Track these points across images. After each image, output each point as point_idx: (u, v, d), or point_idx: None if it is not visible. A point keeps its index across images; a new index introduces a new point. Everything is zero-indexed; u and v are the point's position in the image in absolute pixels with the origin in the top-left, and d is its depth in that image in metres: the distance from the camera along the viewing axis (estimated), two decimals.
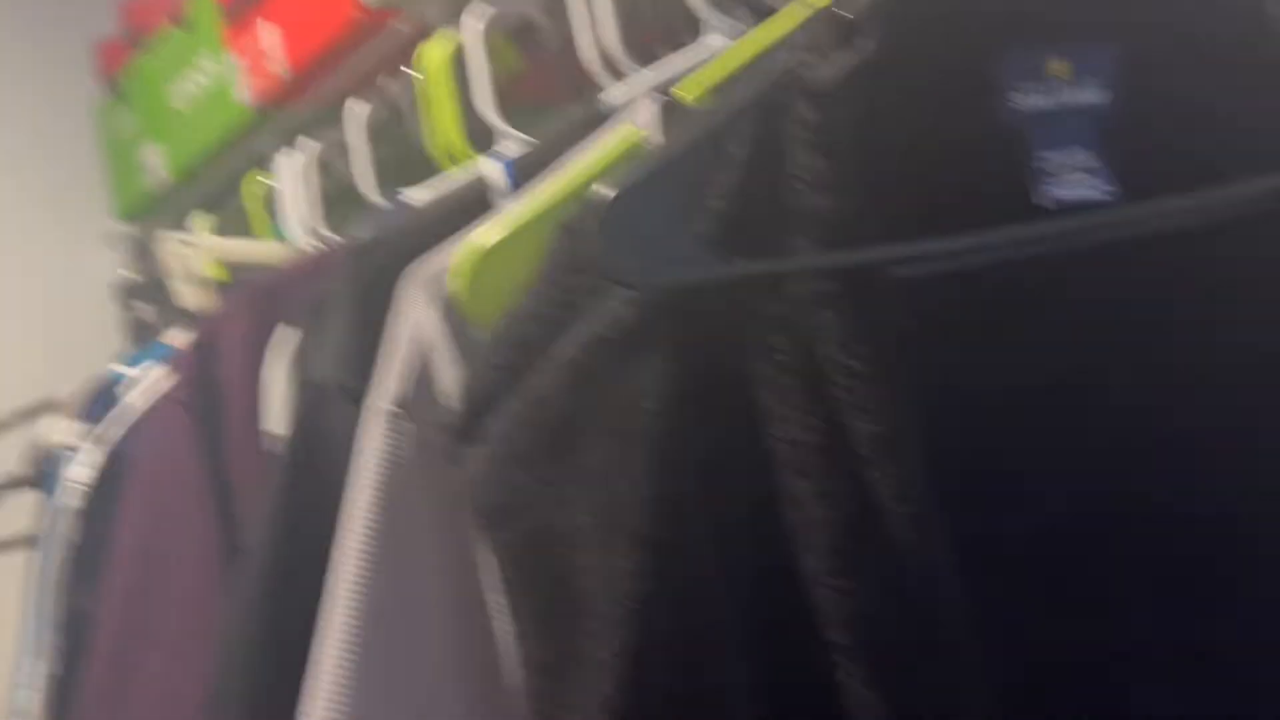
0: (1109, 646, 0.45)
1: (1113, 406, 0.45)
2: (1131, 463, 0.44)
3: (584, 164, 0.50)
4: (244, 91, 1.01)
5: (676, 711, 0.41)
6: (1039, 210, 0.46)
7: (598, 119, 0.54)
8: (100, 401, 0.83)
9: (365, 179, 0.86)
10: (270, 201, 1.01)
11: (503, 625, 0.44)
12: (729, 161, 0.44)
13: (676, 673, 0.41)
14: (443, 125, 0.77)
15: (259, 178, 1.02)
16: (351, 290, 0.51)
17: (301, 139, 0.97)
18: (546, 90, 0.77)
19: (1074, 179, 0.46)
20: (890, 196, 0.45)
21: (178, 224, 1.21)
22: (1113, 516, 0.44)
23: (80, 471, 0.72)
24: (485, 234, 0.48)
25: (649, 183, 0.44)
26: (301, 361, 0.55)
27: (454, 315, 0.49)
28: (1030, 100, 0.47)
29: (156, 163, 1.21)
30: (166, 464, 0.63)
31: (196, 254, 0.95)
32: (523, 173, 0.54)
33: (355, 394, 0.48)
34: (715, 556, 0.42)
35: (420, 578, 0.46)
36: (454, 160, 0.77)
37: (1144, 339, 0.44)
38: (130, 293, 1.01)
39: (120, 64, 1.25)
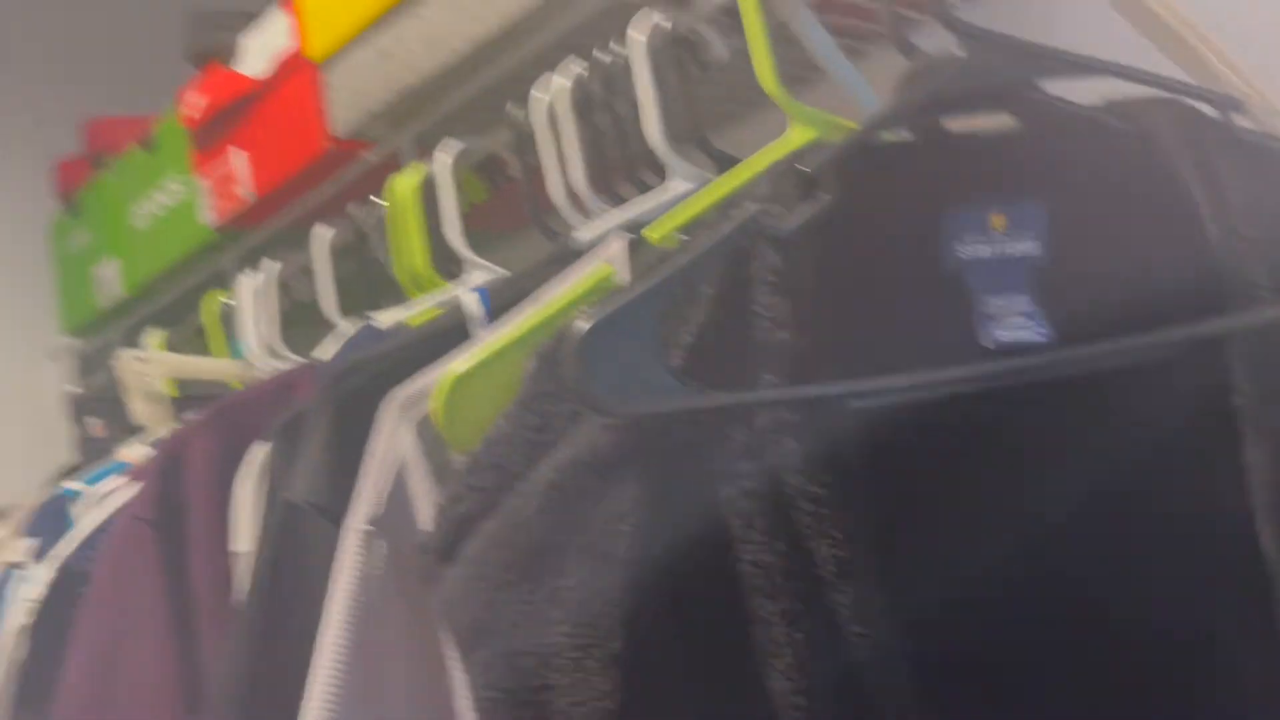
0: None
1: (1055, 530, 0.48)
2: (1080, 585, 0.47)
3: (558, 296, 0.53)
4: (208, 213, 1.03)
5: None
6: (983, 350, 0.50)
7: (570, 255, 0.58)
8: (49, 517, 0.82)
9: (328, 300, 0.89)
10: (228, 319, 1.02)
11: None
12: (699, 299, 0.48)
13: None
14: (409, 252, 0.80)
15: (219, 296, 1.04)
16: (330, 412, 0.53)
17: (265, 260, 0.99)
18: (507, 218, 0.81)
19: (1014, 322, 0.50)
20: (848, 334, 0.48)
21: (128, 340, 1.22)
22: (1067, 642, 0.47)
23: (30, 589, 0.71)
24: (462, 361, 0.51)
25: (623, 316, 0.46)
26: (274, 480, 0.56)
27: (430, 438, 0.51)
28: (973, 250, 0.52)
29: (112, 278, 1.22)
30: (127, 579, 0.63)
31: (152, 369, 0.96)
32: (498, 303, 0.56)
33: (331, 513, 0.49)
34: (688, 676, 0.44)
35: (392, 695, 0.46)
36: (419, 286, 0.79)
37: (1077, 466, 0.48)
38: (81, 407, 1.00)
39: (79, 182, 1.27)
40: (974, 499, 0.48)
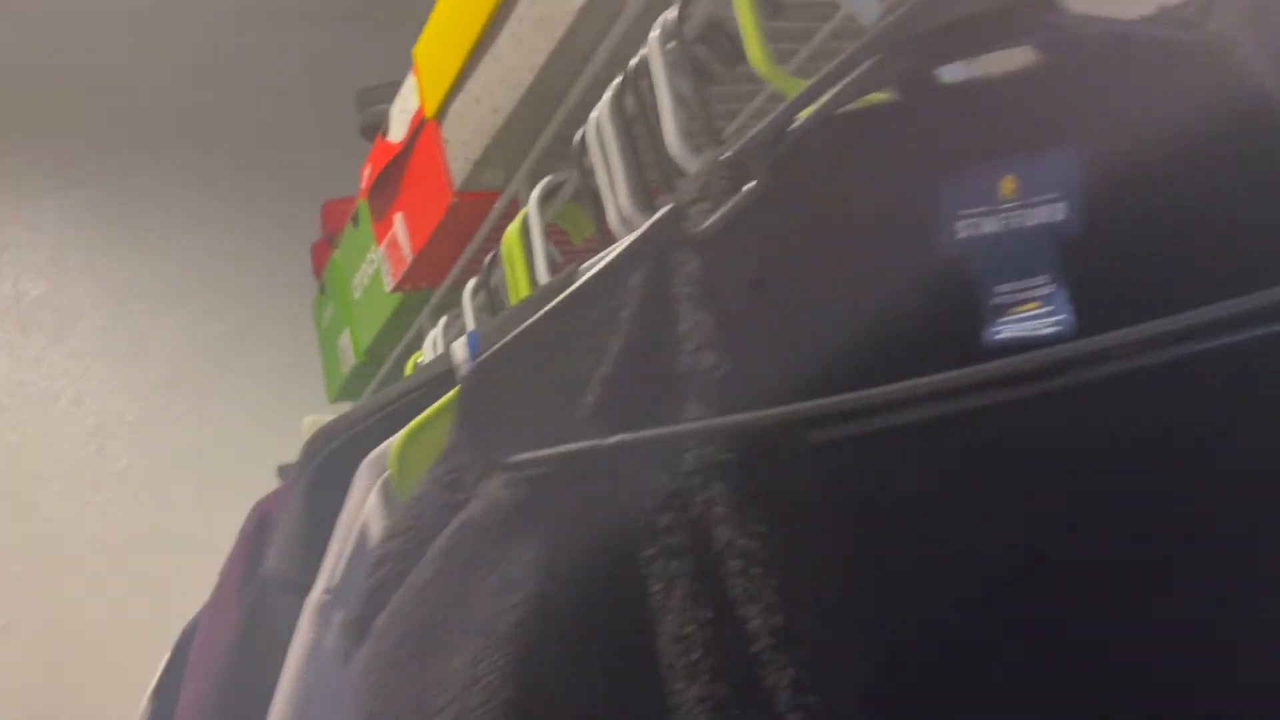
0: None
1: (1050, 585, 0.36)
2: (1070, 652, 0.35)
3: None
4: (386, 278, 1.07)
5: None
6: (983, 352, 0.39)
7: (565, 286, 0.52)
8: None
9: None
10: None
11: None
12: (616, 324, 0.41)
13: None
14: (516, 294, 0.78)
15: (418, 357, 1.08)
16: (307, 477, 0.51)
17: (443, 319, 1.02)
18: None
19: (1024, 312, 0.39)
20: (796, 351, 0.39)
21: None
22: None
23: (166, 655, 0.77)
24: (419, 416, 0.47)
25: (519, 350, 0.41)
26: (256, 551, 0.56)
27: (390, 498, 0.47)
28: (976, 226, 0.40)
29: (347, 347, 1.31)
30: (211, 637, 0.65)
31: None
32: (487, 346, 0.52)
33: (297, 585, 0.48)
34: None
35: None
36: None
37: (1090, 506, 0.36)
38: (285, 472, 1.08)
39: (324, 261, 1.38)
40: (952, 542, 0.37)
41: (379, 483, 0.48)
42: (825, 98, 0.41)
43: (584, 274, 0.55)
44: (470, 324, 0.92)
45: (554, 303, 0.41)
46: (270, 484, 1.28)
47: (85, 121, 1.89)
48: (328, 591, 0.47)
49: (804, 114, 0.41)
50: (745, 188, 0.40)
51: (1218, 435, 0.36)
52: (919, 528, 0.38)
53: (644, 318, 0.40)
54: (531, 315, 0.52)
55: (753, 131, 0.40)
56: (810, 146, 0.41)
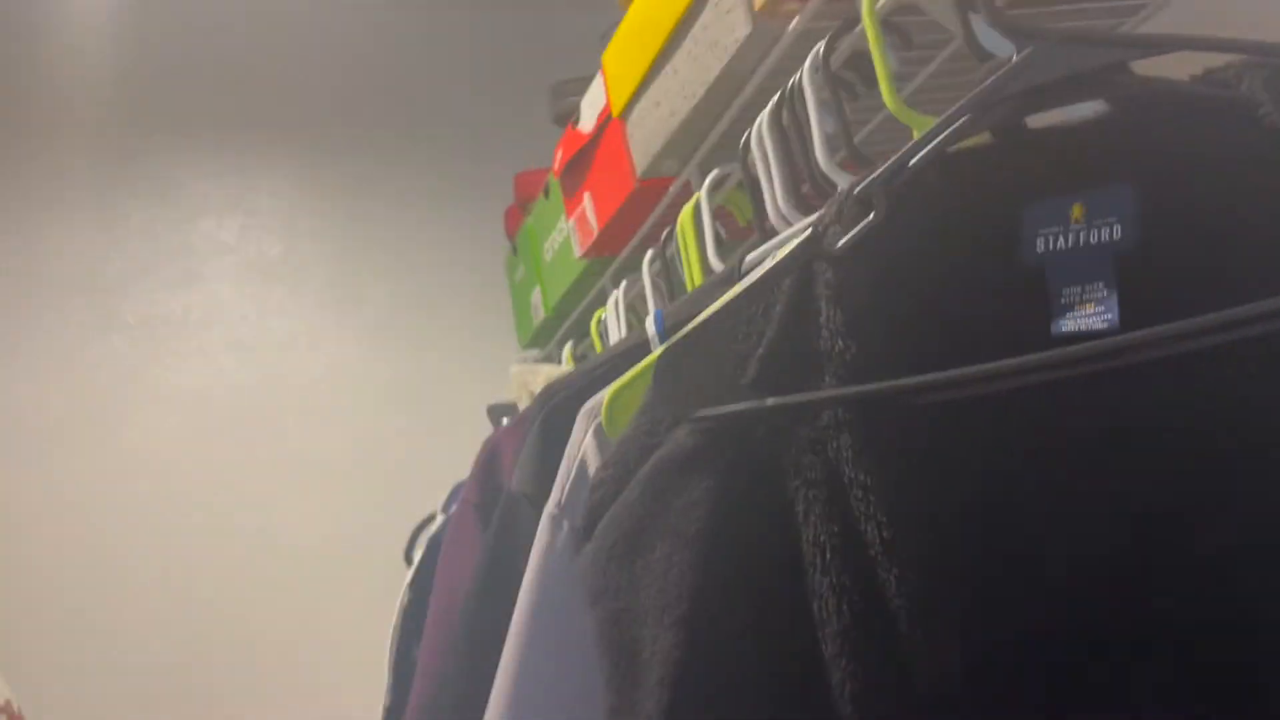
0: None
1: (1102, 519, 0.48)
2: (1120, 579, 0.47)
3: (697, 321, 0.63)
4: (575, 246, 1.24)
5: None
6: (1051, 342, 0.51)
7: (733, 276, 0.67)
8: (453, 498, 1.07)
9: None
10: (603, 331, 1.22)
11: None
12: (771, 315, 0.55)
13: None
14: (690, 269, 0.93)
15: (600, 313, 1.25)
16: (541, 420, 0.67)
17: (625, 281, 1.18)
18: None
19: (1083, 310, 0.51)
20: (905, 338, 0.52)
21: (556, 351, 1.49)
22: (1107, 624, 0.48)
23: (418, 555, 0.95)
24: (621, 378, 0.63)
25: (699, 335, 0.56)
26: (501, 475, 0.72)
27: (602, 438, 0.63)
28: (1053, 243, 0.53)
29: (538, 303, 1.49)
30: (456, 550, 0.83)
31: (535, 376, 1.18)
32: (671, 324, 0.67)
33: (534, 500, 0.64)
34: (751, 637, 0.52)
35: (564, 644, 0.60)
36: None
37: (1136, 457, 0.48)
38: (495, 412, 1.26)
39: (516, 226, 1.56)
40: (1025, 485, 0.50)
41: (593, 427, 0.64)
42: (936, 140, 0.54)
43: (747, 270, 0.69)
44: (648, 288, 1.07)
45: (723, 300, 0.55)
46: (473, 418, 1.49)
47: (315, 108, 2.19)
48: (557, 506, 0.63)
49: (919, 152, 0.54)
50: (869, 217, 0.53)
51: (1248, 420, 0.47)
52: (996, 477, 0.51)
53: (792, 313, 0.54)
54: (706, 303, 0.66)
55: (879, 169, 0.53)
56: (924, 180, 0.54)
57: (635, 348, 0.69)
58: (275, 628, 1.91)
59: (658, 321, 0.69)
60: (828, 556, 0.51)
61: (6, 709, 1.40)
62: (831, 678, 0.50)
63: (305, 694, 1.87)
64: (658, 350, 0.63)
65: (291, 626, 1.91)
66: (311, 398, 2.03)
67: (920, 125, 0.61)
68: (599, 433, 0.64)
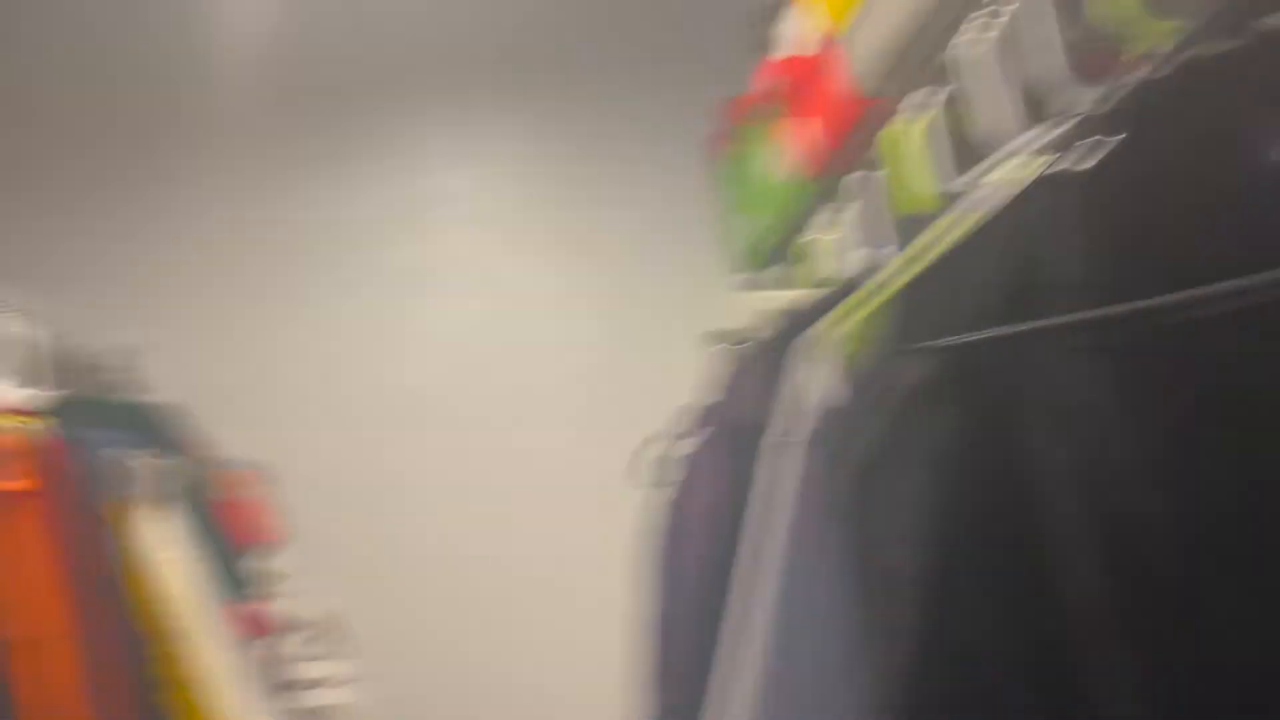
0: None
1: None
2: None
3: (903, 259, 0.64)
4: (789, 167, 1.24)
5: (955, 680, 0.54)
6: None
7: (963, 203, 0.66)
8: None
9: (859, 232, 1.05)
10: (809, 254, 1.23)
11: None
12: (1015, 244, 0.55)
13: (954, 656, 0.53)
14: (904, 184, 0.92)
15: (804, 238, 1.26)
16: (763, 353, 0.70)
17: (832, 204, 1.18)
18: None
19: None
20: (1143, 264, 0.51)
21: (761, 279, 1.50)
22: None
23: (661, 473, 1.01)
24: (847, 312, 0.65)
25: (939, 267, 0.56)
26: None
27: (845, 369, 0.66)
28: None
29: (744, 227, 1.51)
30: (699, 485, 0.87)
31: (765, 304, 1.21)
32: (901, 254, 0.68)
33: (759, 427, 0.67)
34: (985, 554, 0.54)
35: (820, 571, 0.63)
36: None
37: None
38: (721, 337, 1.29)
39: (722, 153, 1.57)
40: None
41: (814, 358, 0.66)
42: (1189, 50, 0.52)
43: (983, 203, 0.68)
44: (852, 211, 1.07)
45: (961, 236, 0.56)
46: (683, 342, 1.53)
47: (550, 74, 2.51)
48: (784, 434, 0.66)
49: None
50: (1116, 139, 0.52)
51: None
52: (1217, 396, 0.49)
53: (1033, 241, 0.54)
54: (938, 230, 0.66)
55: (1122, 86, 0.52)
56: (1170, 91, 0.52)
57: (844, 285, 0.70)
58: (530, 529, 2.37)
59: (884, 251, 0.69)
60: (1064, 481, 0.52)
61: (327, 620, 1.63)
62: (1079, 609, 0.50)
63: (560, 592, 2.33)
64: (896, 281, 0.64)
65: (542, 528, 2.36)
66: (549, 333, 2.44)
67: (1155, 33, 0.59)
68: (823, 364, 0.66)
